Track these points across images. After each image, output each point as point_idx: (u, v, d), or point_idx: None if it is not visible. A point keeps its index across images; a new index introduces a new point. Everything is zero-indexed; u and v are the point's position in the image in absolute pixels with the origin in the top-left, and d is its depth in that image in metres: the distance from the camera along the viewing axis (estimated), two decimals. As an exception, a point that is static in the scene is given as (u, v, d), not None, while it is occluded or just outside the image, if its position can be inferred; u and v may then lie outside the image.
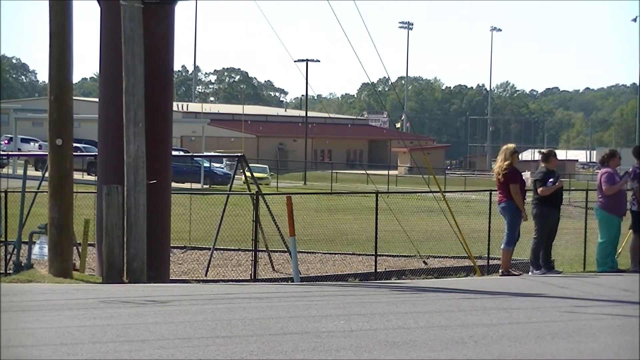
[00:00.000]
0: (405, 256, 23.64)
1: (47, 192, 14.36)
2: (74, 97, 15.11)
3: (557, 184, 16.03)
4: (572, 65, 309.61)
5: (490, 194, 20.83)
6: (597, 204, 16.77)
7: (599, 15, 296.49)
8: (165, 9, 15.70)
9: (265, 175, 63.39)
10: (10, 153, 50.13)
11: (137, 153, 14.42)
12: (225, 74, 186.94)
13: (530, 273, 16.14)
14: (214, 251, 21.95)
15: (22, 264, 16.08)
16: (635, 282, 14.02)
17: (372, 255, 20.85)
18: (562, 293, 13.08)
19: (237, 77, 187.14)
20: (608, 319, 10.46)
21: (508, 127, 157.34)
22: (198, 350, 8.01)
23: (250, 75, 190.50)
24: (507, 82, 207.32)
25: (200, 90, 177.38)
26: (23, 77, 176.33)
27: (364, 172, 70.67)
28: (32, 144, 71.11)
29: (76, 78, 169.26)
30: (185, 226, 24.34)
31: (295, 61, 68.97)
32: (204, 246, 23.53)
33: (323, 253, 24.35)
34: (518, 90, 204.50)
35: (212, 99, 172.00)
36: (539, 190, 16.04)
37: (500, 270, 16.32)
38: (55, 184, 14.15)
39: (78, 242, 17.68)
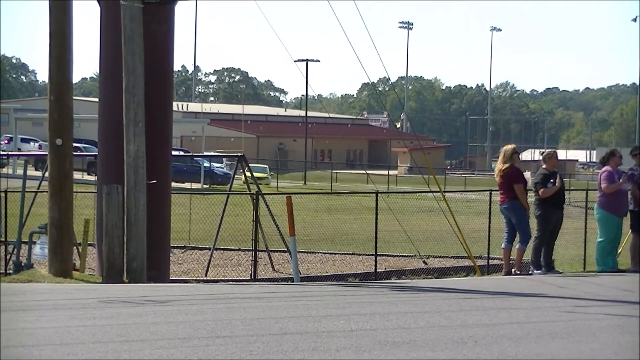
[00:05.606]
0: (405, 256, 23.63)
1: (47, 192, 14.36)
2: (74, 97, 15.10)
3: (557, 184, 16.04)
4: (572, 65, 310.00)
5: (490, 193, 20.82)
6: (597, 203, 16.78)
7: (599, 15, 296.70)
8: (166, 9, 15.70)
9: (265, 175, 63.38)
10: (10, 153, 50.10)
11: (137, 153, 14.41)
12: (225, 74, 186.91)
13: (531, 273, 16.15)
14: (214, 251, 21.95)
15: (22, 264, 16.07)
16: (635, 282, 14.03)
17: (372, 255, 20.83)
18: (562, 293, 13.08)
19: (237, 77, 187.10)
20: (608, 319, 10.46)
21: (508, 127, 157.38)
22: (198, 350, 8.01)
23: (250, 75, 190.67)
24: (507, 82, 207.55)
25: (200, 90, 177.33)
26: (23, 77, 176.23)
27: (364, 172, 70.60)
28: (32, 144, 71.16)
29: (76, 78, 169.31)
30: (185, 226, 24.33)
31: (295, 61, 69.09)
32: (204, 246, 23.52)
33: (323, 253, 24.33)
34: (518, 90, 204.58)
35: (212, 99, 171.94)
36: (540, 192, 16.07)
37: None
38: (55, 184, 14.15)
39: (78, 242, 17.67)
